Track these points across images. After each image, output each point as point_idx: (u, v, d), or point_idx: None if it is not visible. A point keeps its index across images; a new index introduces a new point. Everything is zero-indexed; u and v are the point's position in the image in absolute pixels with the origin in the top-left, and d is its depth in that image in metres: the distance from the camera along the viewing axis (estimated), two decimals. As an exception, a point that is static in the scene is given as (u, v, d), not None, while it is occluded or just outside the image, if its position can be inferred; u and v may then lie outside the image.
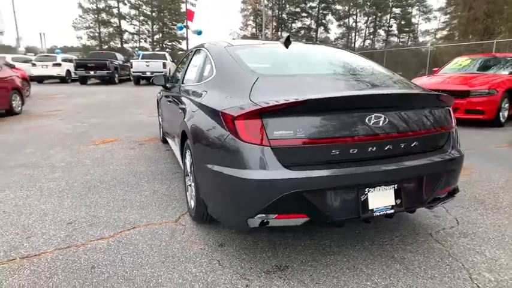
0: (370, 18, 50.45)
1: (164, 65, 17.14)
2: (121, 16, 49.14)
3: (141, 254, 2.26)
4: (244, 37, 52.82)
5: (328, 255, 2.24)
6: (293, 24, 53.13)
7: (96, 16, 47.59)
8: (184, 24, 22.40)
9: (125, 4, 48.48)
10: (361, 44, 51.00)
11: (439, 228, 2.61)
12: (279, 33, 53.42)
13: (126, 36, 51.17)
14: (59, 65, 17.20)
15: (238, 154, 1.84)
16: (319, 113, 1.88)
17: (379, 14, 49.28)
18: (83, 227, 2.62)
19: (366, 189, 1.93)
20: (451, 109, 2.31)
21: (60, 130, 6.24)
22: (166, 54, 19.18)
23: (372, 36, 51.46)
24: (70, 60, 18.05)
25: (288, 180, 1.79)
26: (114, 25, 49.61)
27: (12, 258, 2.22)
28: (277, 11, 51.11)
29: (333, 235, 2.48)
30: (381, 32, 51.27)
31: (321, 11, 50.36)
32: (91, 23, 47.95)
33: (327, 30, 52.03)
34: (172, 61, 20.49)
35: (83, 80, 16.84)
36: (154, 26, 52.84)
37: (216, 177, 2.01)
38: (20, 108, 7.95)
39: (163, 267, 2.12)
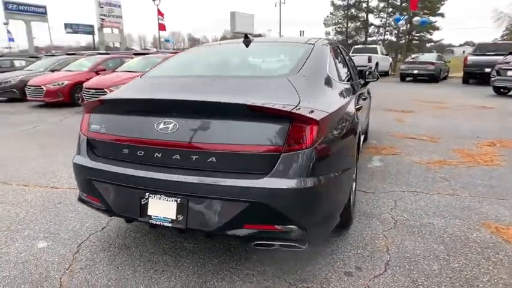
0: None
1: (369, 59, 16.71)
2: (369, 10, 49.86)
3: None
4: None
5: (140, 260, 2.26)
6: None
7: (345, 12, 50.53)
8: (407, 14, 20.41)
9: (375, -3, 48.67)
10: None
11: (305, 284, 1.98)
12: None
13: (371, 29, 51.63)
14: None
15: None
16: (117, 113, 2.04)
17: None
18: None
19: (147, 194, 1.92)
20: (297, 126, 1.72)
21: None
22: (378, 48, 18.46)
23: None
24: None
25: (85, 167, 2.10)
26: (361, 19, 51.06)
27: (48, 185, 3.58)
28: None
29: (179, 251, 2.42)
30: None
31: None
32: (340, 18, 51.41)
33: None
34: (386, 54, 19.49)
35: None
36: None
37: None
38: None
39: (64, 218, 2.83)
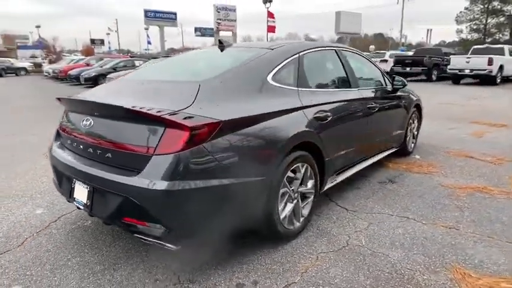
0: None
1: (490, 62, 14.17)
2: (518, 2, 41.70)
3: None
4: None
5: (89, 236, 2.61)
6: None
7: (485, 6, 43.42)
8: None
9: (527, -14, 40.42)
10: None
11: (191, 285, 2.01)
12: None
13: (519, 25, 43.09)
14: (385, 61, 18.74)
15: None
16: (68, 110, 2.45)
17: None
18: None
19: (74, 180, 2.26)
20: (169, 130, 1.80)
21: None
22: (506, 48, 15.38)
23: None
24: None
25: (52, 155, 2.55)
26: (506, 13, 43.11)
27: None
28: None
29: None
30: None
31: None
32: (477, 14, 44.48)
33: None
34: (519, 56, 16.12)
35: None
36: None
37: None
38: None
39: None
